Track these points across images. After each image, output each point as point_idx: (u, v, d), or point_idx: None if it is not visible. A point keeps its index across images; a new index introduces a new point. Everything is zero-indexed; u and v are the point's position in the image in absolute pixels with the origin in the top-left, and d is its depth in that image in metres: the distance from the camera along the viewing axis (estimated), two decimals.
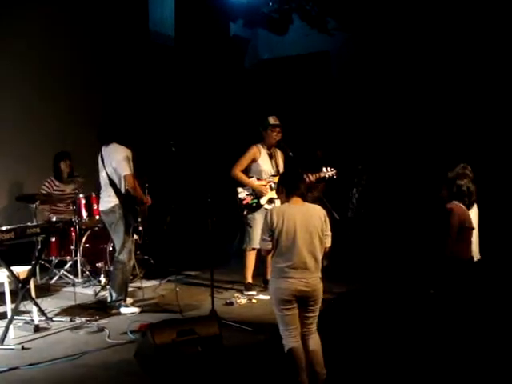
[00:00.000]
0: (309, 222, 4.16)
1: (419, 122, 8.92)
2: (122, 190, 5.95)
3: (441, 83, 8.79)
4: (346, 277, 7.13)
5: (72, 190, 7.58)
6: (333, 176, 6.87)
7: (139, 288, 6.94)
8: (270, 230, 4.18)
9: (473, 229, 4.84)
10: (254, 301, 6.53)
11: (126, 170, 5.91)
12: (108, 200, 6.01)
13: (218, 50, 10.13)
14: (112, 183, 5.97)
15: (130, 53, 9.04)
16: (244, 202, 6.77)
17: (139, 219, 6.14)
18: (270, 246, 4.22)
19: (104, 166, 6.01)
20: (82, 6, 8.35)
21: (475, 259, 5.07)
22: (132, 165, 5.98)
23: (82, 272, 7.29)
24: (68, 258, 7.29)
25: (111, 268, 6.57)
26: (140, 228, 6.37)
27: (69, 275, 7.26)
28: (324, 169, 6.87)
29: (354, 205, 8.58)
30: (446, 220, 4.69)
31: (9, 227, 5.24)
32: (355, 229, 8.50)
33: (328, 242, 4.29)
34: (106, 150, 6.04)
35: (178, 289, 6.34)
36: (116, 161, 5.92)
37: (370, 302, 6.29)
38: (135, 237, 6.30)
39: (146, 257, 7.52)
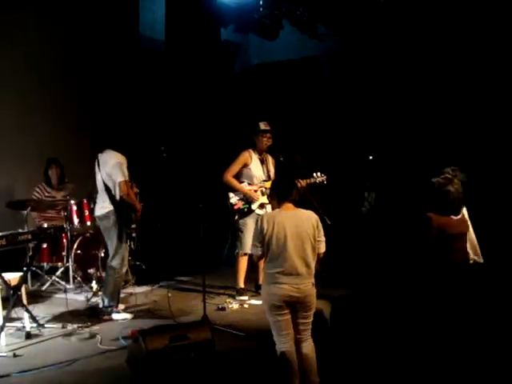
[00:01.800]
0: (300, 228, 4.17)
1: (411, 126, 8.96)
2: (117, 197, 5.96)
3: (433, 87, 8.83)
4: (342, 282, 7.15)
5: (63, 197, 7.58)
6: (323, 182, 6.90)
7: (131, 294, 6.94)
8: (260, 236, 4.19)
9: (460, 234, 4.74)
10: (245, 306, 6.54)
11: (120, 176, 5.91)
12: (103, 206, 6.03)
13: (208, 55, 10.15)
14: (107, 189, 5.97)
15: (121, 57, 9.04)
16: (235, 207, 6.79)
17: (133, 226, 6.13)
18: (260, 252, 4.24)
19: (99, 172, 6.03)
20: (72, 11, 8.34)
21: (473, 261, 5.05)
22: (127, 171, 5.99)
23: (74, 278, 7.27)
24: (59, 264, 7.27)
25: (103, 274, 6.56)
26: (134, 234, 6.37)
27: (60, 281, 7.23)
28: (315, 174, 6.91)
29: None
30: (424, 228, 4.64)
31: (0, 234, 5.22)
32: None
33: (322, 248, 4.29)
34: (101, 157, 6.05)
35: (169, 294, 6.34)
36: (110, 167, 5.93)
37: (366, 307, 6.29)
38: (129, 243, 6.29)
39: (137, 262, 7.51)
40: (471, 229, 5.08)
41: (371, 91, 9.46)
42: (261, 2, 8.91)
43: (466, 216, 5.13)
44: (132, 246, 6.94)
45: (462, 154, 7.62)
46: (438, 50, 8.76)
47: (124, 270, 6.14)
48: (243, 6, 9.03)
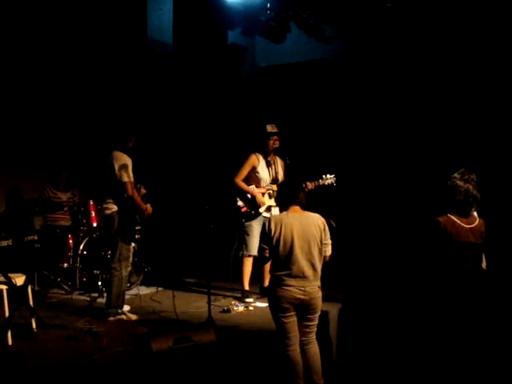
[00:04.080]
0: (307, 231, 4.18)
1: (419, 129, 8.92)
2: (122, 198, 5.97)
3: (441, 90, 8.80)
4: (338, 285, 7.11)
5: (68, 198, 7.62)
6: (332, 183, 6.87)
7: (136, 295, 6.95)
8: (267, 239, 4.19)
9: (468, 244, 4.65)
10: (250, 308, 6.53)
11: (125, 177, 5.93)
12: (107, 207, 6.06)
13: (215, 58, 10.16)
14: (112, 190, 6.00)
15: (128, 60, 9.05)
16: (243, 210, 6.79)
17: (138, 227, 6.13)
18: (267, 255, 4.24)
19: (105, 174, 6.05)
20: (79, 12, 8.36)
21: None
22: (132, 173, 6.00)
23: (80, 279, 7.28)
24: (65, 264, 7.28)
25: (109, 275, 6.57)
26: (137, 236, 6.38)
27: (66, 282, 7.25)
28: (324, 176, 6.88)
29: None
30: (433, 233, 4.58)
31: (6, 234, 5.24)
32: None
33: (328, 251, 4.29)
34: (107, 158, 6.07)
35: (174, 296, 6.33)
36: (116, 168, 5.95)
37: (370, 311, 6.27)
38: (133, 245, 6.29)
39: (143, 264, 7.52)
40: None
41: (378, 94, 9.44)
42: (268, 5, 8.92)
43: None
44: (135, 247, 6.94)
45: (467, 157, 7.59)
46: (446, 53, 8.74)
47: (128, 271, 6.14)
48: (250, 9, 9.04)
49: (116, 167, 5.95)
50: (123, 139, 6.10)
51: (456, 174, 4.62)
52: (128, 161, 6.01)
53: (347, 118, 9.73)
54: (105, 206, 6.11)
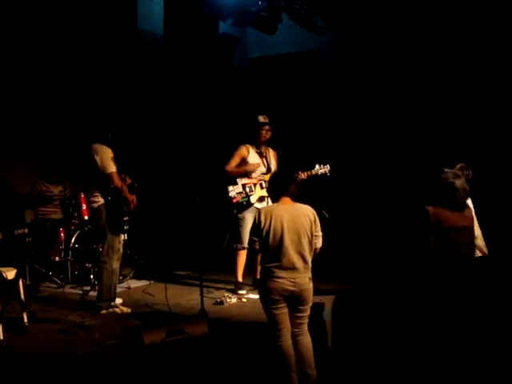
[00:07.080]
0: (297, 222, 4.16)
1: (410, 120, 8.93)
2: (108, 189, 5.94)
3: (432, 82, 8.80)
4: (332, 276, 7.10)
5: (60, 192, 7.59)
6: (326, 173, 6.84)
7: (128, 288, 6.94)
8: (257, 230, 4.18)
9: (459, 228, 4.69)
10: (244, 300, 6.53)
11: (109, 168, 5.90)
12: (93, 200, 6.03)
13: (206, 49, 10.10)
14: (97, 183, 5.97)
15: (118, 50, 8.99)
16: (234, 201, 6.76)
17: (125, 218, 6.09)
18: (257, 247, 4.23)
19: (89, 166, 6.01)
20: (69, 2, 8.29)
21: (477, 255, 5.02)
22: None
23: (71, 272, 7.26)
24: (57, 258, 7.25)
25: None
26: (126, 227, 6.35)
27: (58, 275, 7.22)
28: (317, 166, 6.84)
29: None
30: (420, 221, 4.60)
31: None
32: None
33: (318, 243, 4.27)
34: (90, 150, 6.03)
35: (167, 289, 6.32)
36: (97, 161, 5.92)
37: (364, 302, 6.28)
38: (122, 236, 6.26)
39: (135, 256, 7.50)
40: (476, 223, 5.04)
41: (370, 86, 9.43)
42: None
43: (472, 211, 5.08)
44: (125, 238, 6.90)
45: (461, 151, 7.60)
46: (438, 46, 8.73)
47: (117, 263, 6.11)
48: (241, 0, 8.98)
49: (98, 160, 5.92)
50: (102, 131, 6.07)
51: (448, 171, 4.66)
52: (109, 152, 5.98)
53: (339, 109, 9.73)
54: (91, 199, 6.09)
